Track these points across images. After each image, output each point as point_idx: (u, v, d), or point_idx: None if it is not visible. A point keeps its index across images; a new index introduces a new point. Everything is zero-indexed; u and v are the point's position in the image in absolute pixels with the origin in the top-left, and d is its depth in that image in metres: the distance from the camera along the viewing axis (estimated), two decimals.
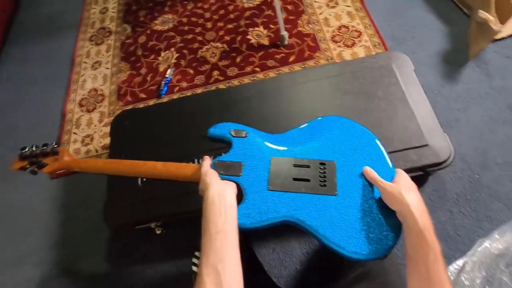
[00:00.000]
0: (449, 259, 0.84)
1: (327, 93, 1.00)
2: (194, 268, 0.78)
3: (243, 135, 0.63)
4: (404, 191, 0.48)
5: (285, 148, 0.61)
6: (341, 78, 1.01)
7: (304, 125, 0.66)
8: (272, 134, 0.65)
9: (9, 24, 1.77)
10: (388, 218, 0.51)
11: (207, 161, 0.61)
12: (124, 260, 1.01)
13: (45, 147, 0.75)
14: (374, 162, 0.58)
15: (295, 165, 0.58)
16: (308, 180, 0.56)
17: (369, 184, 0.55)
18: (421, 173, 0.86)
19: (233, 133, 0.64)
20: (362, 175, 0.56)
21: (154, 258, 0.99)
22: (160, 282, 0.96)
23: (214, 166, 0.60)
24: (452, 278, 0.77)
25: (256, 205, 0.54)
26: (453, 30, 1.25)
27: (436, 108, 1.09)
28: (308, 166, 0.58)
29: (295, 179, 0.57)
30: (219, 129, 0.65)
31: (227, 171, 0.58)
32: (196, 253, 0.80)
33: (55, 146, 0.75)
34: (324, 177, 0.56)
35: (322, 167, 0.57)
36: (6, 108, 1.48)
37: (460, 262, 0.77)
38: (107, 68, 1.49)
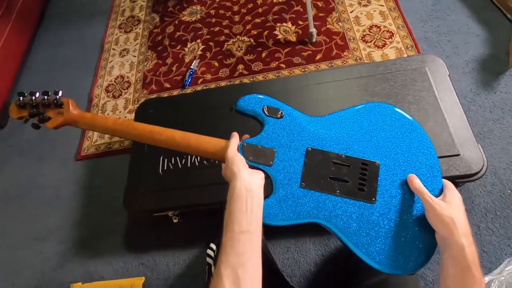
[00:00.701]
0: None
1: (354, 93, 0.97)
2: (209, 260, 0.78)
3: (279, 116, 0.54)
4: (456, 217, 0.43)
5: (325, 138, 0.53)
6: (370, 79, 0.98)
7: (352, 108, 0.57)
8: (312, 117, 0.56)
9: (44, 9, 1.84)
10: (425, 237, 0.46)
11: (235, 140, 0.54)
12: (140, 244, 1.03)
13: (45, 97, 0.64)
14: (423, 168, 0.50)
15: (334, 162, 0.51)
16: (346, 181, 0.50)
17: (411, 194, 0.49)
18: None
19: (266, 111, 0.55)
20: (406, 182, 0.50)
21: (169, 245, 1.01)
22: (174, 269, 0.97)
23: (242, 150, 0.53)
24: None
25: (285, 203, 0.49)
26: (493, 36, 1.18)
27: (469, 117, 1.04)
28: (348, 165, 0.51)
29: (331, 178, 0.50)
30: (250, 103, 0.56)
31: (257, 158, 0.51)
32: (211, 245, 0.81)
33: (58, 97, 0.64)
34: (364, 179, 0.50)
35: (364, 168, 0.51)
36: (36, 90, 1.54)
37: (486, 279, 0.73)
38: (134, 56, 1.52)
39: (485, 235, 0.87)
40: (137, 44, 1.56)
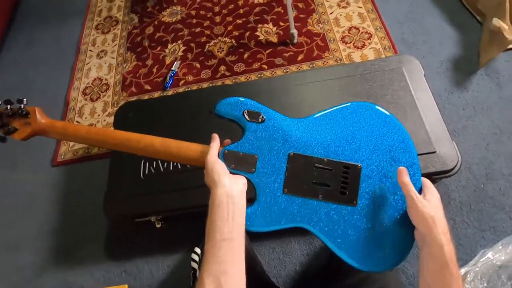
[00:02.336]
0: None
1: (335, 94, 0.99)
2: (193, 264, 0.77)
3: (260, 120, 0.53)
4: (435, 215, 0.44)
5: (307, 141, 0.53)
6: (351, 80, 1.00)
7: (332, 109, 0.56)
8: (294, 120, 0.55)
9: (16, 6, 1.75)
10: (403, 235, 0.48)
11: (215, 145, 0.53)
12: (122, 251, 1.00)
13: (9, 106, 0.57)
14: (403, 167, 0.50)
15: (316, 166, 0.51)
16: (328, 186, 0.51)
17: (393, 193, 0.49)
18: None
19: (247, 115, 0.53)
20: (388, 180, 0.50)
21: (153, 251, 0.98)
22: (158, 275, 0.95)
23: (223, 157, 0.52)
24: None
25: (268, 210, 0.49)
26: (465, 38, 1.24)
27: (444, 115, 1.07)
28: (330, 169, 0.51)
29: (314, 183, 0.51)
30: (230, 107, 0.54)
31: (238, 166, 0.51)
32: (196, 249, 0.80)
33: (23, 106, 0.58)
34: (346, 183, 0.50)
35: (346, 172, 0.51)
36: (9, 92, 1.47)
37: (462, 271, 0.76)
38: (113, 58, 1.48)
39: (461, 228, 0.90)
40: (115, 45, 1.52)
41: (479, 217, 0.91)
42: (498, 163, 0.99)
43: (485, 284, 0.73)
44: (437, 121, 0.89)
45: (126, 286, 0.93)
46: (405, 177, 0.47)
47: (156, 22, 1.55)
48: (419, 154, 0.85)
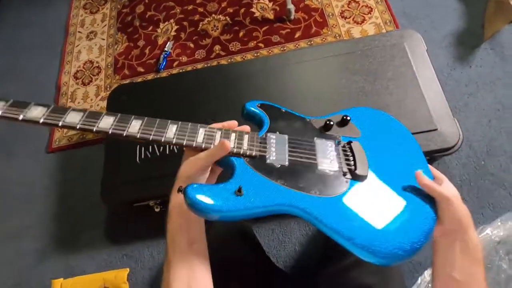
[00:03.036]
0: None
1: (334, 72, 0.95)
2: None
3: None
4: (467, 210, 0.43)
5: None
6: (350, 56, 0.96)
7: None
8: None
9: None
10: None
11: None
12: (122, 236, 1.00)
13: None
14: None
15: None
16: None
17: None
18: (427, 158, 0.84)
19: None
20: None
21: (153, 235, 0.99)
22: (159, 258, 0.96)
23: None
24: None
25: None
26: (470, 10, 1.19)
27: (446, 91, 1.04)
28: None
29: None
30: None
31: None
32: None
33: None
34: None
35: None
36: None
37: None
38: (103, 39, 1.42)
39: None
40: (105, 26, 1.46)
41: (479, 194, 0.91)
42: (500, 140, 0.97)
43: None
44: (439, 98, 0.87)
45: (128, 269, 0.94)
46: (425, 179, 0.45)
47: (146, 0, 1.48)
48: (420, 132, 0.84)
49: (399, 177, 0.49)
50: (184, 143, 0.45)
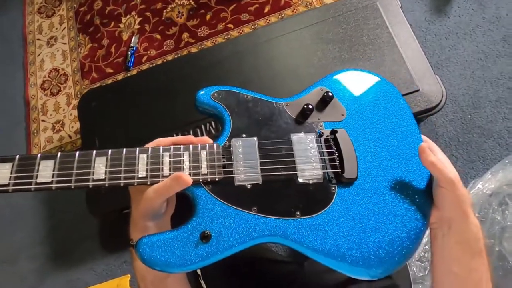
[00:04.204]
0: None
1: (308, 44, 0.91)
2: None
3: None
4: (468, 198, 0.37)
5: None
6: (322, 25, 0.91)
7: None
8: None
9: None
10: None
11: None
12: (118, 243, 0.99)
13: None
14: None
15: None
16: None
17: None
18: None
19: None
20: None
21: None
22: None
23: None
24: None
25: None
26: None
27: (426, 47, 1.02)
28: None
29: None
30: None
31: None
32: None
33: None
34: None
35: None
36: None
37: None
38: (65, 44, 1.34)
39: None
40: (64, 29, 1.37)
41: (468, 149, 0.90)
42: (484, 90, 0.95)
43: (477, 214, 0.73)
44: (418, 57, 0.83)
45: (129, 275, 0.93)
46: (431, 156, 0.37)
47: None
48: (402, 95, 0.81)
49: (391, 163, 0.41)
50: (122, 184, 0.34)
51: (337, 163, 0.40)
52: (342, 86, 0.45)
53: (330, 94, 0.43)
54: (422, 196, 0.39)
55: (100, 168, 0.34)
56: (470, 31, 1.02)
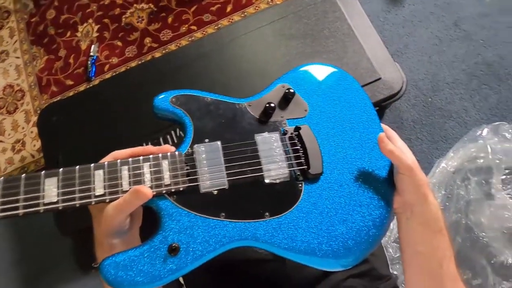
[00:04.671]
0: None
1: (271, 41, 0.91)
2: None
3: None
4: (425, 181, 0.38)
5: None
6: (284, 21, 0.92)
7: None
8: None
9: None
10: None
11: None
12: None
13: None
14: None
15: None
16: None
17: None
18: (377, 108, 0.85)
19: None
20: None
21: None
22: None
23: None
24: None
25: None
26: None
27: (385, 37, 1.05)
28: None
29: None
30: None
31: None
32: None
33: None
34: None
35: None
36: None
37: None
38: (18, 58, 1.26)
39: (417, 146, 0.94)
40: (16, 42, 1.28)
41: (431, 130, 0.95)
42: (442, 74, 1.00)
43: (443, 192, 0.77)
44: (377, 46, 0.86)
45: None
46: (390, 145, 0.39)
47: (56, 3, 1.31)
48: (365, 84, 0.84)
49: (354, 155, 0.42)
50: (78, 204, 0.32)
51: (302, 160, 0.40)
52: (303, 81, 0.45)
53: (291, 90, 0.43)
54: (385, 184, 0.41)
55: (51, 190, 0.32)
56: (425, 18, 1.07)
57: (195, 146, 0.38)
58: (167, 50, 1.16)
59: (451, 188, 0.77)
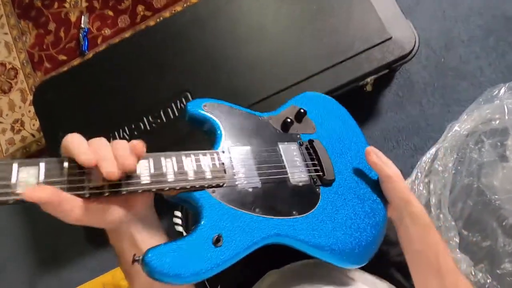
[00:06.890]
0: (422, 150, 0.85)
1: (271, 2, 0.84)
2: (178, 228, 0.75)
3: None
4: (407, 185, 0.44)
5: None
6: None
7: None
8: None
9: None
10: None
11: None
12: (105, 239, 0.97)
13: None
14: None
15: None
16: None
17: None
18: (387, 71, 0.80)
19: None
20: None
21: None
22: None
23: None
24: (426, 167, 0.79)
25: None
26: None
27: None
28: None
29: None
30: None
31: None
32: (176, 213, 0.77)
33: None
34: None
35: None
36: None
37: (433, 150, 0.77)
38: (6, 34, 1.20)
39: (428, 109, 0.89)
40: (1, 16, 1.22)
41: (443, 93, 0.90)
42: (456, 30, 0.93)
43: (455, 156, 0.75)
44: (388, 3, 0.79)
45: None
46: (374, 157, 0.46)
47: None
48: (374, 46, 0.78)
49: (354, 166, 0.49)
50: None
51: (318, 167, 0.45)
52: (310, 106, 0.52)
53: (302, 110, 0.49)
54: (380, 190, 0.48)
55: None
56: None
57: (230, 147, 0.40)
58: (161, 17, 1.09)
59: (464, 152, 0.75)
